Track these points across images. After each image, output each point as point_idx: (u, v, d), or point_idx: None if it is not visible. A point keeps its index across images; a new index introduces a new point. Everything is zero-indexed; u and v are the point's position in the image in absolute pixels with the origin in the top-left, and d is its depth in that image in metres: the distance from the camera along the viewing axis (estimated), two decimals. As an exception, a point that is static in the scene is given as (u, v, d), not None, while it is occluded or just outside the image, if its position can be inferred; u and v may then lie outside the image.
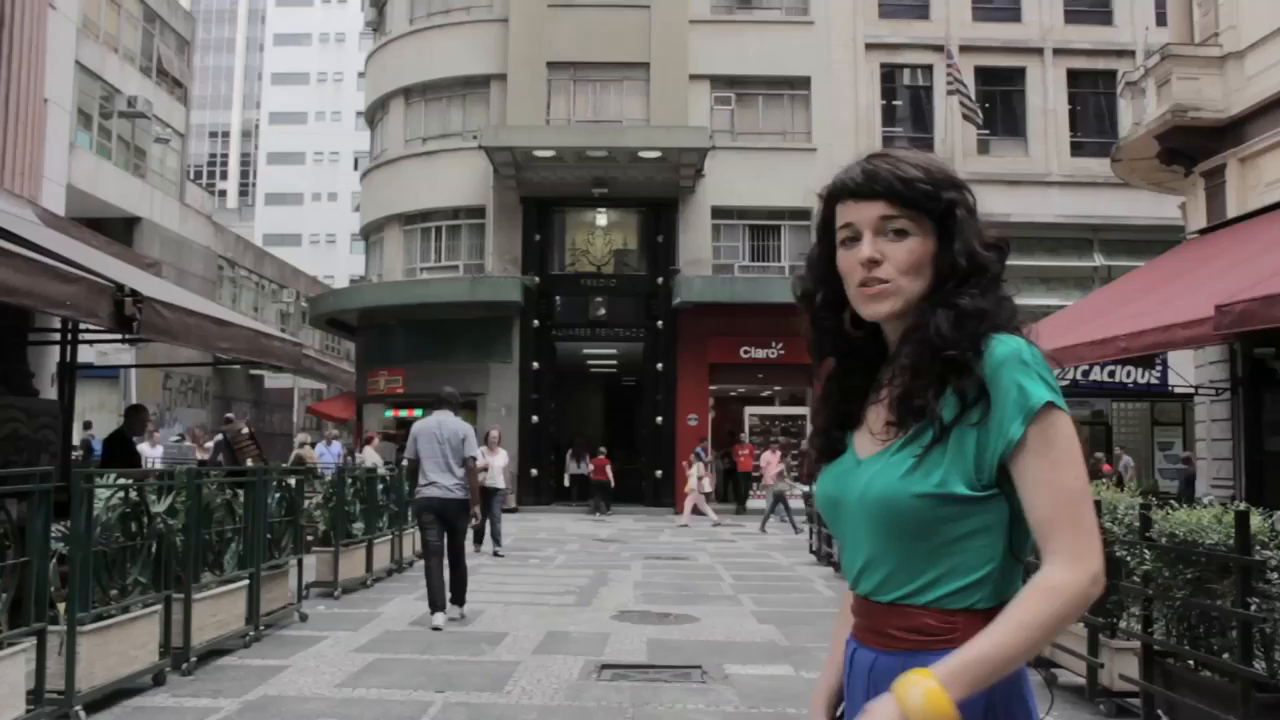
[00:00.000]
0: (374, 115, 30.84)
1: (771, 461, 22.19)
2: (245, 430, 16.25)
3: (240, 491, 8.14)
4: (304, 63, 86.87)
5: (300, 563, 9.56)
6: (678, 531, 20.17)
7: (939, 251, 1.66)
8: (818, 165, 26.36)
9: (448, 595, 9.14)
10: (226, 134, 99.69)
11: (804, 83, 27.18)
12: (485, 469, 14.37)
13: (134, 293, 6.76)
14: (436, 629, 8.69)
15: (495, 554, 14.91)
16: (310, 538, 10.66)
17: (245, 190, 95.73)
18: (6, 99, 12.97)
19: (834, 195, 1.73)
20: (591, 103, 27.32)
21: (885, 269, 1.64)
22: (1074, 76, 27.60)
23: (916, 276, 1.65)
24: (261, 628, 8.23)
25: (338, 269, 75.23)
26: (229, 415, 24.95)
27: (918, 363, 1.62)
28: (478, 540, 14.91)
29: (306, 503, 10.37)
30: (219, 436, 13.34)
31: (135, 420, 12.52)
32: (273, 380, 35.79)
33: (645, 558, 15.08)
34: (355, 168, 70.12)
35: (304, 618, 9.15)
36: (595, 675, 7.12)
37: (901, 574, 1.62)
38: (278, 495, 8.90)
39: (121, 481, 6.25)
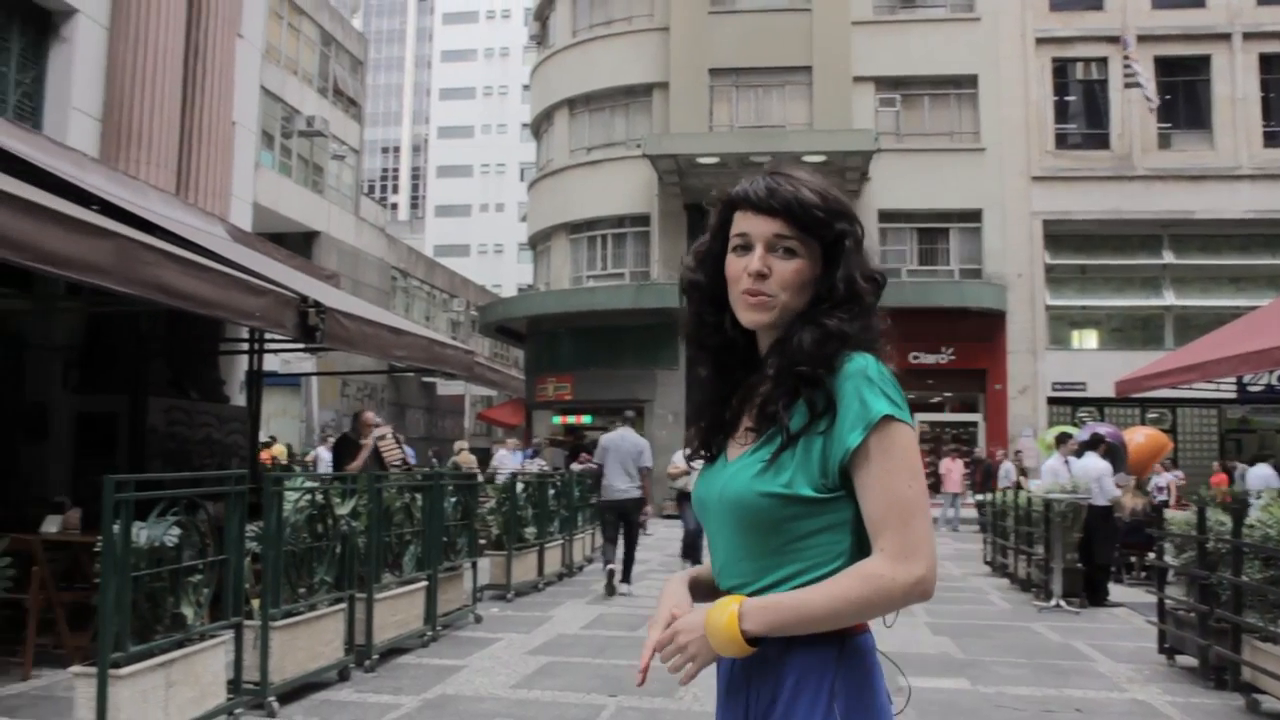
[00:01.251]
0: (539, 127, 31.44)
1: (952, 470, 21.64)
2: (387, 434, 16.62)
3: (419, 495, 8.37)
4: (470, 78, 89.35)
5: (475, 565, 9.78)
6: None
7: (822, 275, 1.77)
8: (986, 165, 25.63)
9: (619, 570, 11.55)
10: (397, 149, 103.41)
11: (971, 81, 26.50)
12: (687, 472, 11.92)
13: (317, 304, 7.04)
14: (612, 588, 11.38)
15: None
16: (483, 541, 10.90)
17: (416, 203, 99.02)
18: (200, 123, 13.71)
19: (734, 202, 1.83)
20: (754, 108, 27.22)
21: (770, 284, 1.75)
22: (1267, 62, 26.09)
23: (797, 295, 1.76)
24: (439, 628, 8.45)
25: (506, 278, 77.00)
26: (369, 415, 25.57)
27: (778, 373, 1.74)
28: (686, 555, 13.21)
29: (480, 507, 10.61)
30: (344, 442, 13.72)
31: (357, 424, 13.05)
32: (445, 387, 36.88)
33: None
34: (521, 179, 71.75)
35: (478, 619, 9.36)
36: (767, 683, 7.04)
37: (757, 570, 1.72)
38: (453, 500, 9.12)
39: (308, 484, 6.50)
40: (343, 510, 6.83)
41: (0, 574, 4.08)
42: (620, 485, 11.58)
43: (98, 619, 4.52)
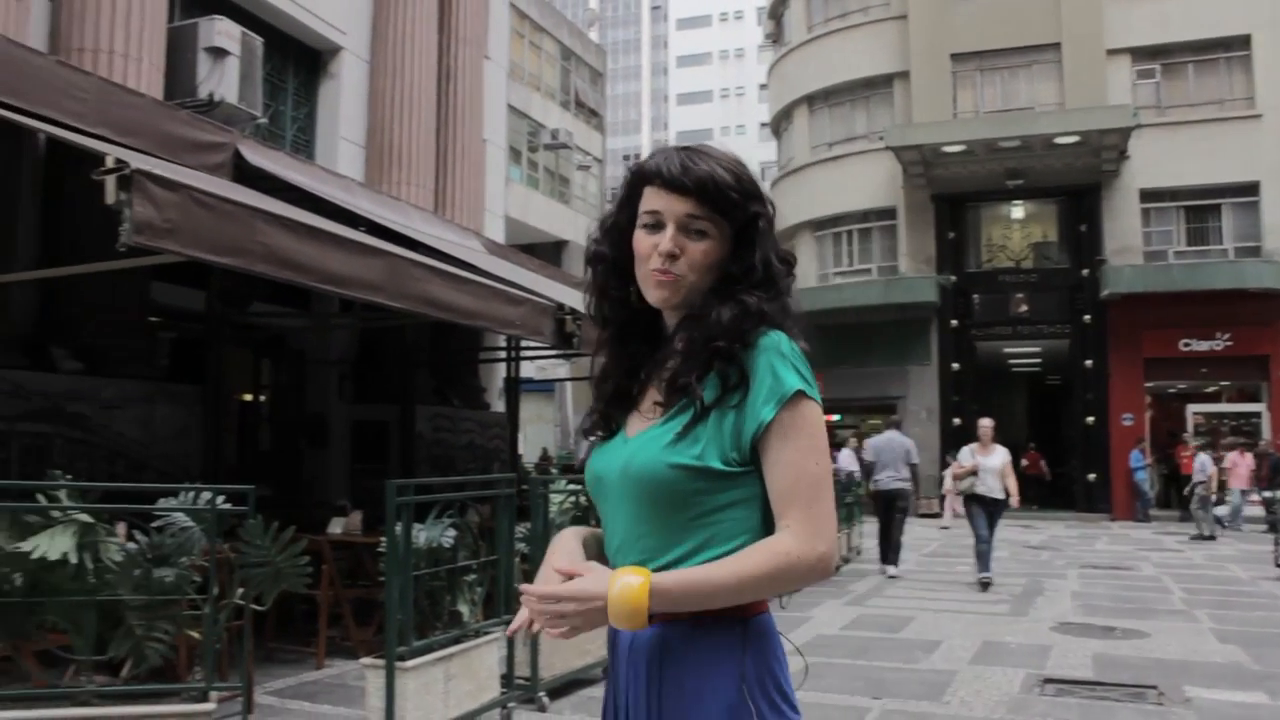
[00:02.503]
0: (778, 125, 31.33)
1: (1239, 463, 20.16)
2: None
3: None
4: (706, 82, 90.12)
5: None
6: (1115, 539, 18.82)
7: (730, 255, 1.75)
8: (1263, 133, 23.66)
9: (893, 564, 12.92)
10: (638, 156, 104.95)
11: (1243, 42, 24.48)
12: (974, 471, 11.50)
13: (573, 311, 7.25)
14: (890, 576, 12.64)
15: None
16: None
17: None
18: (454, 143, 14.41)
19: (645, 177, 1.79)
20: (1000, 91, 26.16)
21: (680, 264, 1.72)
22: None
23: (706, 275, 1.74)
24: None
25: (749, 278, 76.97)
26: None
27: (690, 347, 1.71)
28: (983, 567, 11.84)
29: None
30: None
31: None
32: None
33: (1081, 566, 14.16)
34: (763, 178, 71.41)
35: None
36: (1038, 689, 6.74)
37: (661, 546, 1.67)
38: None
39: (571, 486, 6.69)
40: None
41: (301, 572, 4.41)
42: (891, 478, 12.87)
43: (384, 614, 4.81)
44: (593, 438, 1.88)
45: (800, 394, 1.65)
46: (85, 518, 3.93)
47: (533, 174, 31.46)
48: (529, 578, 6.22)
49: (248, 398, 12.25)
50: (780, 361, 1.67)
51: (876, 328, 25.57)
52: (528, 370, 15.97)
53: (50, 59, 7.41)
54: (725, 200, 1.73)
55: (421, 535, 4.81)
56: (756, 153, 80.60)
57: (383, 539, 5.30)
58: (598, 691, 6.58)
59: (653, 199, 1.76)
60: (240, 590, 4.40)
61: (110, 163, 3.87)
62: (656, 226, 1.75)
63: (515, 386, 13.26)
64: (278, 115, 12.71)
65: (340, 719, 5.64)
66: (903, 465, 12.88)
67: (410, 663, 4.83)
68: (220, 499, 4.32)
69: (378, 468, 11.75)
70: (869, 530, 14.98)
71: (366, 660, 4.98)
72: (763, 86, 44.64)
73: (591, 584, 1.62)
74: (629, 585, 1.59)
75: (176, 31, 10.09)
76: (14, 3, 8.28)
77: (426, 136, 13.60)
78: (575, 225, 33.00)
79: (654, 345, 1.83)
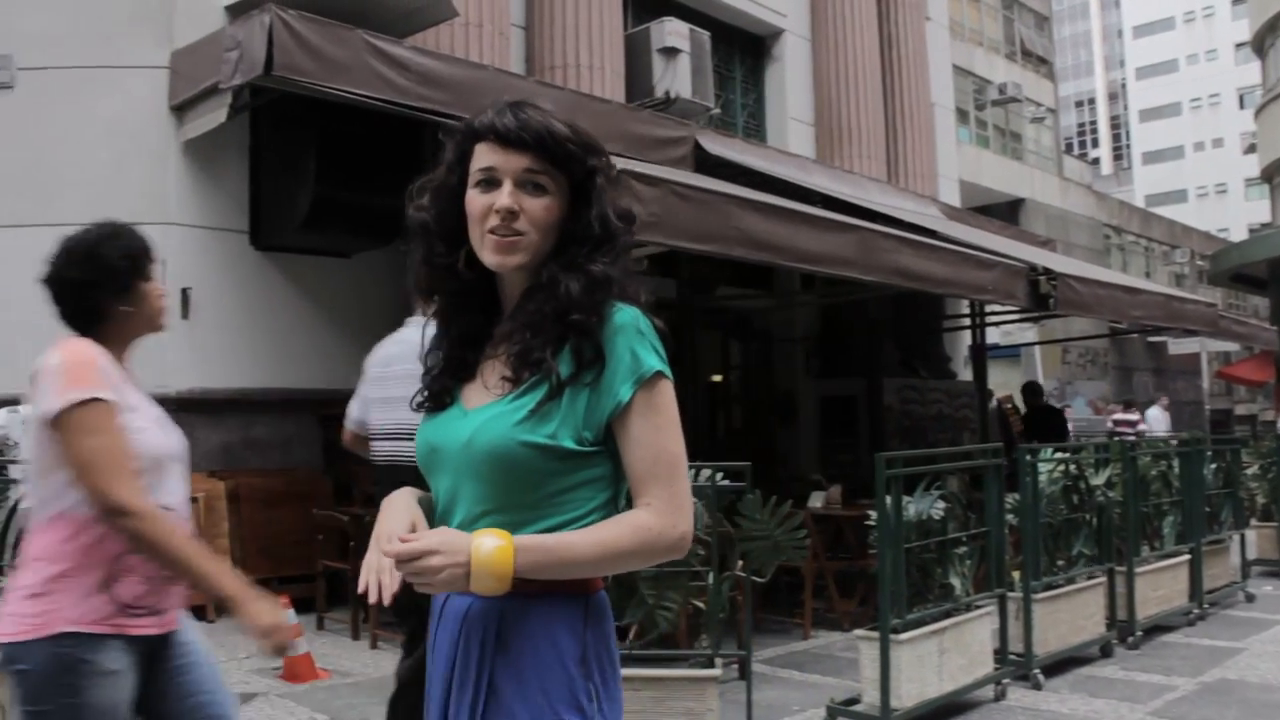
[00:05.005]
0: (1262, 42, 27.88)
1: None
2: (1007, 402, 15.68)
3: (1175, 462, 7.81)
4: (1166, 7, 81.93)
5: (1242, 538, 8.90)
6: None
7: (571, 214, 1.65)
8: None
9: None
10: (1092, 100, 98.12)
11: None
12: None
13: (1047, 270, 6.87)
14: None
15: None
16: (1249, 511, 9.87)
17: (1119, 154, 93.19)
18: (901, 110, 14.20)
19: (477, 134, 1.66)
20: None
21: (521, 222, 1.62)
22: None
23: (548, 234, 1.64)
24: (1205, 605, 7.79)
25: (1233, 221, 69.36)
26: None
27: (540, 321, 1.61)
28: None
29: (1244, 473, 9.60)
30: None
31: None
32: (1176, 346, 34.19)
33: None
34: (1241, 107, 64.47)
35: (1250, 598, 8.48)
36: None
37: (508, 525, 1.57)
38: (1213, 465, 8.38)
39: (1060, 455, 6.35)
40: (1097, 480, 6.58)
41: (800, 545, 4.54)
42: None
43: (878, 586, 4.82)
44: (423, 408, 1.76)
45: (659, 374, 1.61)
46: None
47: (982, 133, 30.24)
48: (1016, 550, 5.99)
49: (717, 378, 12.79)
50: (638, 340, 1.61)
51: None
52: (993, 336, 15.40)
53: (530, 80, 8.16)
54: (564, 153, 1.63)
55: (911, 508, 4.76)
56: (1231, 79, 72.41)
57: (865, 512, 5.33)
58: (1095, 671, 6.20)
59: (486, 155, 1.65)
60: (740, 563, 4.59)
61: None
62: (491, 184, 1.64)
63: (982, 354, 12.82)
64: (728, 104, 13.15)
65: (831, 688, 5.70)
66: None
67: (904, 635, 4.80)
68: (719, 475, 4.53)
69: (847, 442, 11.85)
70: None
71: (859, 632, 5.01)
72: (1236, 1, 39.93)
73: (455, 538, 1.54)
74: (494, 547, 1.52)
75: (631, 38, 10.73)
76: (498, 36, 9.19)
77: (874, 107, 13.51)
78: (1031, 182, 31.33)
79: (488, 314, 1.74)
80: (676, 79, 10.53)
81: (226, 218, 8.15)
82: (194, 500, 7.15)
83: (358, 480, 7.99)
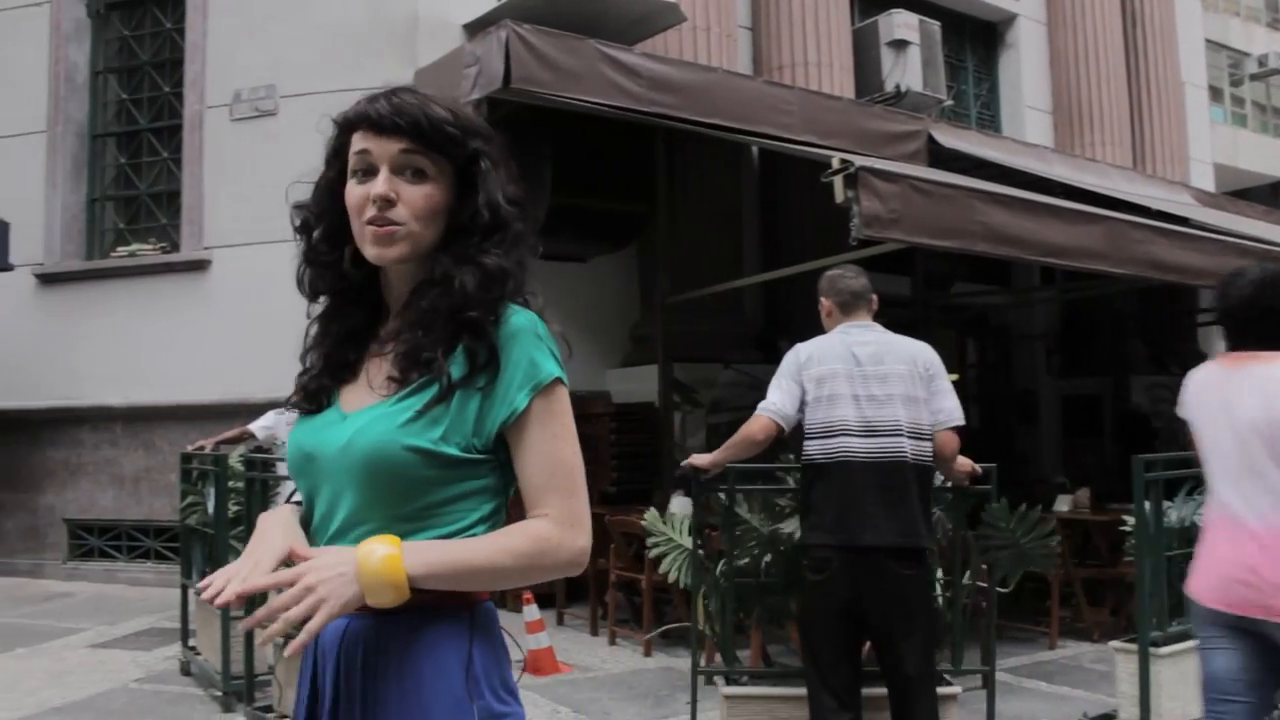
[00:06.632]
0: None
1: None
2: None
3: None
4: None
5: None
6: None
7: (455, 202, 1.57)
8: None
9: None
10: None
11: None
12: None
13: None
14: None
15: None
16: None
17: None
18: (1148, 91, 13.44)
19: (353, 124, 1.57)
20: None
21: (399, 211, 1.53)
22: None
23: (430, 224, 1.56)
24: None
25: None
26: None
27: (432, 318, 1.53)
28: None
29: None
30: None
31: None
32: None
33: None
34: None
35: None
36: None
37: (384, 533, 1.46)
38: None
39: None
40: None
41: (1049, 554, 4.35)
42: None
43: (1134, 596, 4.58)
44: (297, 411, 1.66)
45: (557, 381, 1.55)
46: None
47: (1238, 110, 28.23)
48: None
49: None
50: (536, 345, 1.54)
51: None
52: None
53: (758, 81, 8.16)
54: (442, 136, 1.55)
55: (1172, 513, 4.50)
56: None
57: (1119, 517, 5.07)
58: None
59: (361, 143, 1.56)
60: (968, 570, 4.44)
61: (836, 163, 4.12)
62: (369, 172, 1.55)
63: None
64: (960, 95, 12.79)
65: (1082, 702, 5.47)
66: None
67: (1165, 649, 4.54)
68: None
69: (1092, 442, 11.32)
70: None
71: (1116, 643, 4.77)
72: None
73: (327, 557, 1.43)
74: (386, 555, 1.41)
75: (859, 32, 10.59)
76: (725, 39, 9.25)
77: (1117, 89, 12.85)
78: (1293, 160, 29.08)
79: (372, 313, 1.65)
80: (907, 72, 10.31)
81: (468, 227, 8.51)
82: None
83: (596, 481, 8.22)
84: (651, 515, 4.80)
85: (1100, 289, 9.24)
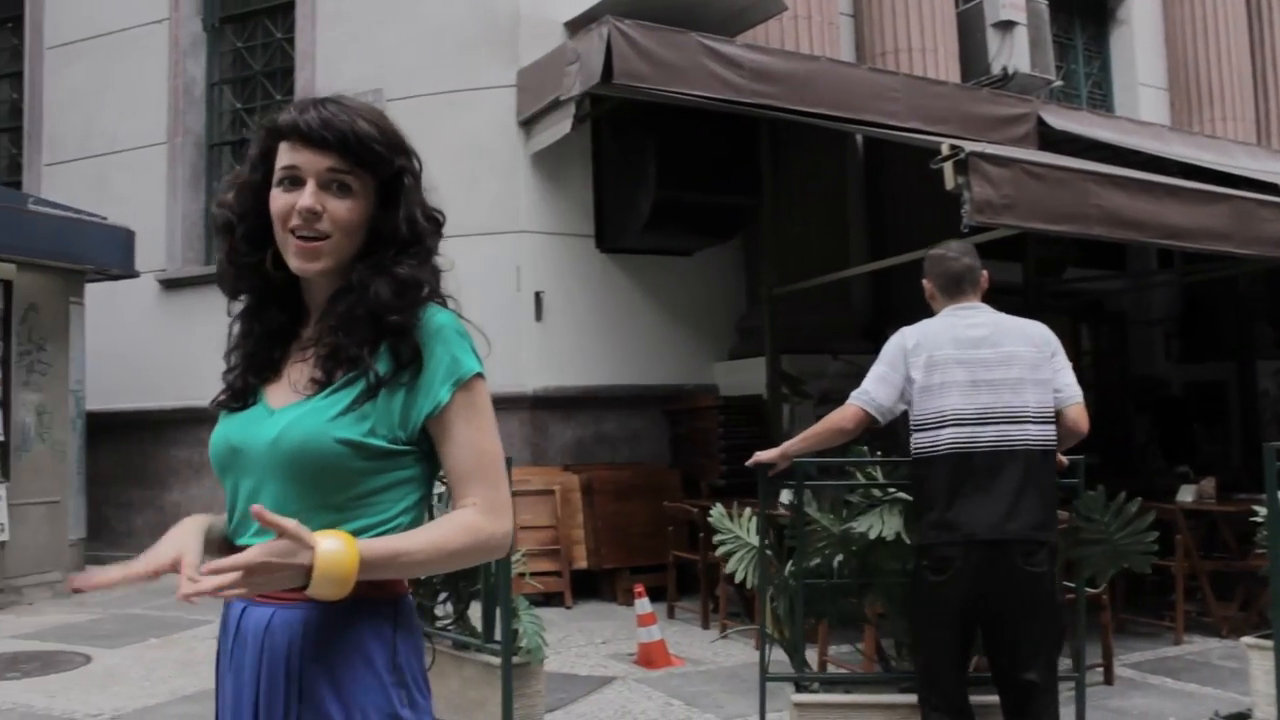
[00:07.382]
0: None
1: None
2: None
3: None
4: None
5: None
6: None
7: (378, 215, 1.63)
8: None
9: None
10: None
11: None
12: None
13: None
14: None
15: None
16: None
17: None
18: (1273, 62, 12.93)
19: (280, 132, 1.61)
20: None
21: (324, 223, 1.58)
22: None
23: (353, 236, 1.61)
24: None
25: None
26: None
27: (352, 322, 1.58)
28: None
29: None
30: None
31: None
32: None
33: None
34: None
35: None
36: None
37: (311, 526, 1.44)
38: None
39: None
40: None
41: (1147, 550, 4.09)
42: None
43: (1251, 590, 4.41)
44: (224, 409, 1.70)
45: (478, 376, 1.61)
46: (906, 496, 3.88)
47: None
48: None
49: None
50: (457, 342, 1.61)
51: None
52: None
53: (862, 68, 8.06)
54: (369, 153, 1.60)
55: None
56: None
57: (1248, 507, 4.89)
58: None
59: (289, 154, 1.60)
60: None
61: (946, 149, 4.05)
62: (295, 183, 1.59)
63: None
64: (1069, 75, 12.45)
65: (1211, 699, 5.28)
66: None
67: (1298, 644, 4.35)
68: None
69: (1216, 431, 10.94)
70: None
71: (1249, 639, 4.60)
72: None
73: (280, 545, 1.42)
74: (337, 550, 1.43)
75: (964, 15, 10.37)
76: (827, 26, 9.15)
77: (1239, 63, 12.37)
78: None
79: (293, 314, 1.70)
80: (1014, 53, 10.07)
81: (573, 223, 8.58)
82: (550, 492, 7.62)
83: (704, 474, 8.22)
84: (717, 512, 4.60)
85: (1224, 271, 8.89)
